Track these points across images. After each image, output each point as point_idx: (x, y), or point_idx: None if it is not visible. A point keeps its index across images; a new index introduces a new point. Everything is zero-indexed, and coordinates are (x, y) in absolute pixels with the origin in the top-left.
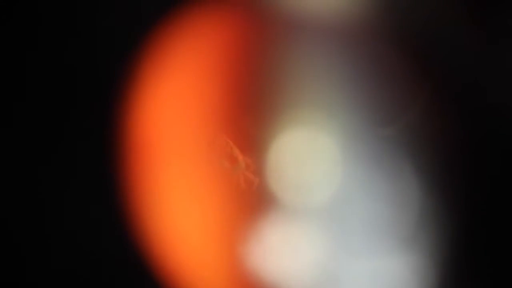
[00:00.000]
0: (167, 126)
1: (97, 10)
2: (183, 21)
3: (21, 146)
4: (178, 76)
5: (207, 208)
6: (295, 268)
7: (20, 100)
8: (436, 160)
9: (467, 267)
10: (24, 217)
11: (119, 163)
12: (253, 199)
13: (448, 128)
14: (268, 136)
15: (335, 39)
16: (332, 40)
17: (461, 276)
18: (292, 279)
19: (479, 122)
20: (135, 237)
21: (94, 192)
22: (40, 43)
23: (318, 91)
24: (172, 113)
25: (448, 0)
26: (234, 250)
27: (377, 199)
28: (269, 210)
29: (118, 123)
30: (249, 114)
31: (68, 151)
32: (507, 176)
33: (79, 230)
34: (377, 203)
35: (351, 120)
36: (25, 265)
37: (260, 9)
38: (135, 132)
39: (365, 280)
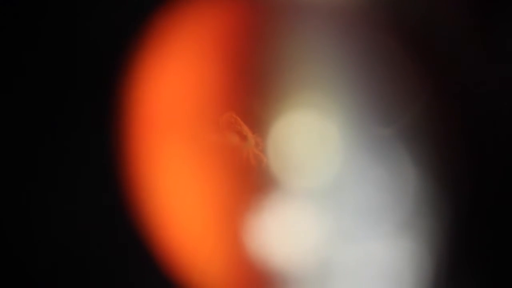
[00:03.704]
0: (175, 107)
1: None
2: (187, 7)
3: (21, 141)
4: (184, 60)
5: (216, 186)
6: (295, 252)
7: (20, 95)
8: (436, 154)
9: (462, 254)
10: (25, 214)
11: (123, 152)
12: (260, 177)
13: (448, 126)
14: (273, 116)
15: (338, 32)
16: (335, 33)
17: (456, 262)
18: (291, 263)
19: (479, 120)
20: (141, 224)
21: (98, 184)
22: (38, 42)
23: (322, 78)
24: (179, 94)
25: None
26: (242, 233)
27: (376, 185)
28: (272, 191)
29: (122, 109)
30: (255, 95)
31: (71, 145)
32: (507, 172)
33: (82, 226)
34: (376, 189)
35: (353, 109)
36: (27, 262)
37: None
38: (140, 117)
39: (362, 265)
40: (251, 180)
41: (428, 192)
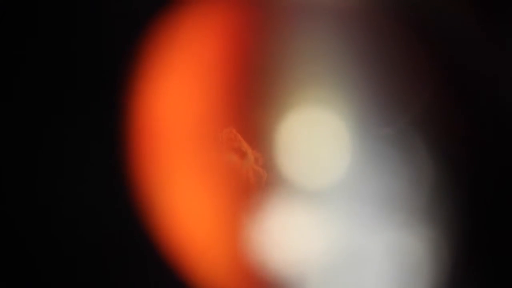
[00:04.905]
0: (175, 121)
1: (100, 4)
2: (187, 14)
3: (22, 141)
4: (184, 71)
5: (216, 202)
6: (307, 255)
7: (23, 95)
8: (440, 151)
9: (479, 239)
10: (32, 211)
11: (127, 160)
12: (262, 193)
13: (451, 124)
14: (274, 129)
15: (339, 32)
16: (337, 33)
17: (473, 248)
18: (306, 265)
19: (480, 118)
20: (145, 231)
21: (103, 188)
22: (39, 42)
23: (324, 82)
24: (180, 108)
25: None
26: (243, 243)
27: (390, 174)
28: (277, 203)
29: (126, 118)
30: (255, 108)
31: (78, 146)
32: (508, 170)
33: (87, 223)
34: (390, 178)
35: (360, 108)
36: (36, 261)
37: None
38: (143, 128)
39: (380, 255)
40: (253, 194)
41: (433, 188)
